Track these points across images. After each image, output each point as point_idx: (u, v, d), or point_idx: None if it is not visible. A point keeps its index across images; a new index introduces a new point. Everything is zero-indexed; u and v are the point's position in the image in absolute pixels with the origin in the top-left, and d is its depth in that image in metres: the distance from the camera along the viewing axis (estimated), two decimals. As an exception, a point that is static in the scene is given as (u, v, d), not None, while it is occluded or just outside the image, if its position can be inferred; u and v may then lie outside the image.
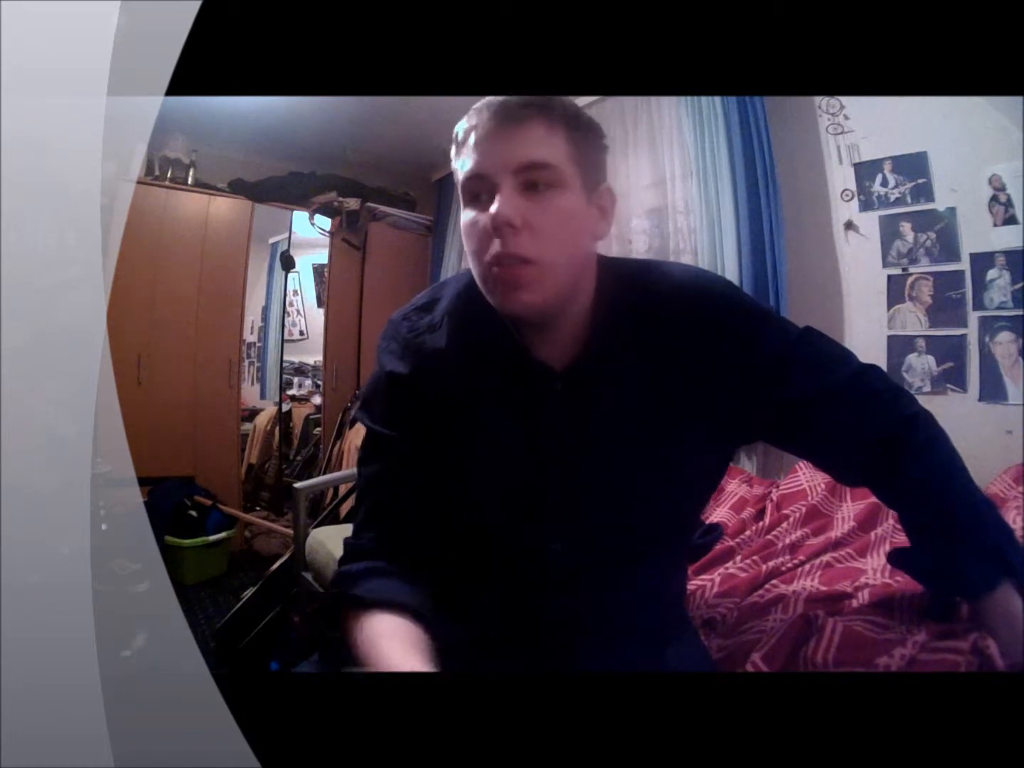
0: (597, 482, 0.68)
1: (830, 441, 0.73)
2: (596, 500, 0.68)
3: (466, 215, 0.63)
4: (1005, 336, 1.73)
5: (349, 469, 2.91)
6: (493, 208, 0.58)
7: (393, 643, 0.54)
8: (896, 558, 0.80)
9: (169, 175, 3.00)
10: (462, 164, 0.63)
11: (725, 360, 0.66)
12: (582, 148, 0.62)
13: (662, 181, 2.33)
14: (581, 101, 0.66)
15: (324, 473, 3.23)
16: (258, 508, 3.53)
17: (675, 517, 0.75)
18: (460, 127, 0.63)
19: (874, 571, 1.05)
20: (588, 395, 0.67)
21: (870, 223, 2.02)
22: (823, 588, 0.99)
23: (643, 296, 0.68)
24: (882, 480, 0.76)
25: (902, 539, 1.30)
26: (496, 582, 0.72)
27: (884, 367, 1.98)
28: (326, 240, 3.51)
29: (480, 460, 0.69)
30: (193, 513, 2.74)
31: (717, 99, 2.09)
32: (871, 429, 0.71)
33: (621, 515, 0.69)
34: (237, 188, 3.25)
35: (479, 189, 0.61)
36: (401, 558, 0.68)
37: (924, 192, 1.89)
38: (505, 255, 0.59)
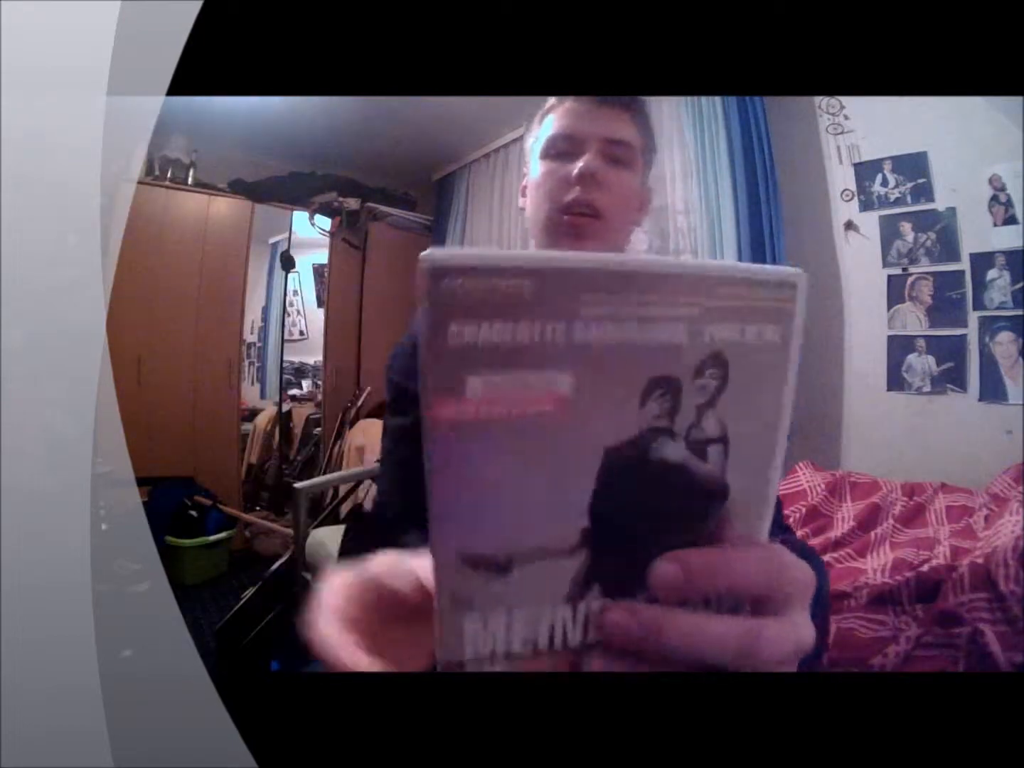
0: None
1: None
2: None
3: (543, 167, 0.70)
4: (1005, 336, 1.73)
5: (349, 469, 2.92)
6: (582, 161, 0.66)
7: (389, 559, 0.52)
8: None
9: (169, 175, 3.00)
10: (547, 127, 0.70)
11: None
12: (648, 146, 0.73)
13: (662, 181, 2.33)
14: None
15: (324, 473, 3.23)
16: (258, 508, 3.54)
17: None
18: (550, 100, 0.72)
19: (874, 571, 1.05)
20: None
21: (870, 223, 2.02)
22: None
23: None
24: None
25: (902, 539, 1.30)
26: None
27: (884, 367, 1.99)
28: (326, 240, 3.51)
29: None
30: (193, 513, 2.74)
31: (717, 99, 2.09)
32: None
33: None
34: (237, 188, 3.25)
35: (566, 148, 0.69)
36: (418, 513, 0.66)
37: (924, 192, 1.89)
38: (583, 201, 0.66)
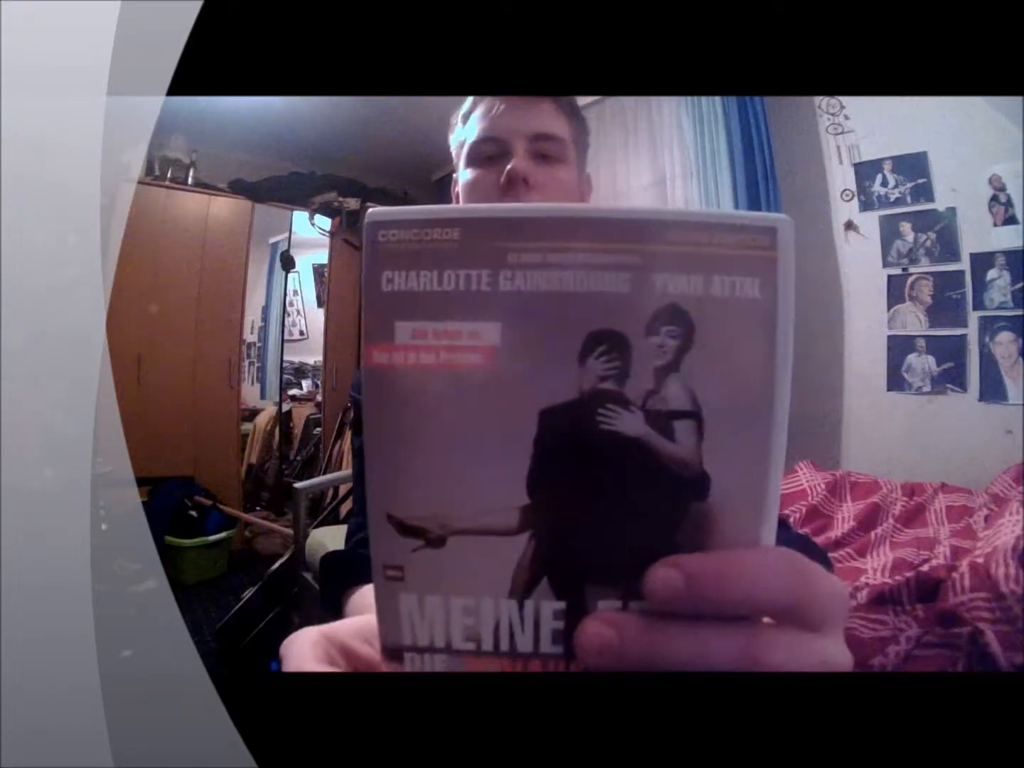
0: None
1: None
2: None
3: (471, 174, 0.66)
4: (1005, 336, 1.73)
5: (349, 469, 2.91)
6: (510, 164, 0.62)
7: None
8: None
9: (169, 175, 3.01)
10: (471, 129, 0.66)
11: None
12: (579, 133, 0.69)
13: (662, 181, 2.33)
14: (581, 101, 0.69)
15: (324, 473, 3.23)
16: (258, 508, 3.54)
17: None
18: (469, 100, 0.68)
19: (874, 571, 1.05)
20: None
21: (870, 223, 2.02)
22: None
23: None
24: None
25: (902, 539, 1.31)
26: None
27: (884, 367, 1.99)
28: (326, 240, 3.51)
29: None
30: (193, 513, 2.75)
31: (717, 99, 2.09)
32: None
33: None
34: (237, 188, 3.25)
35: (491, 151, 0.64)
36: None
37: (924, 192, 1.89)
38: None
